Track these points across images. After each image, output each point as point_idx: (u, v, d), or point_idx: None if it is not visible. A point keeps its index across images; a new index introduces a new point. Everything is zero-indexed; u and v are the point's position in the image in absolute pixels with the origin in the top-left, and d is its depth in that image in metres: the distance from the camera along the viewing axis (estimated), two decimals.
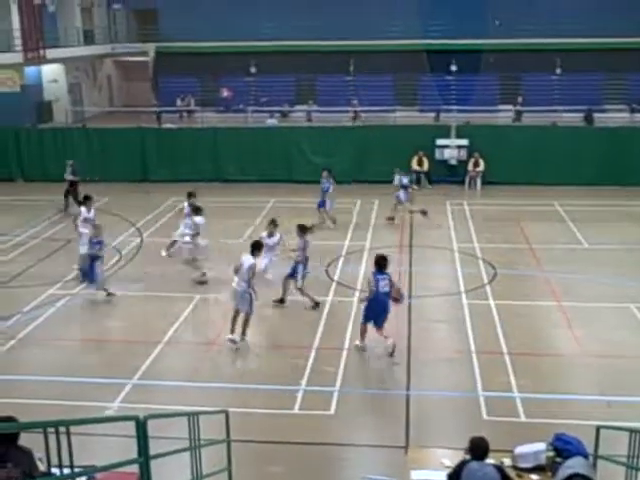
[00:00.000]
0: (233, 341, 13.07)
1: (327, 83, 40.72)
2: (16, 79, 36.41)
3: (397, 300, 13.22)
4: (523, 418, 10.77)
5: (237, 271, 13.27)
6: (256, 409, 11.09)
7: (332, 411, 11.05)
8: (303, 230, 15.01)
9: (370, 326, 12.87)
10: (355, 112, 37.15)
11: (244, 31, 40.02)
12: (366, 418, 11.11)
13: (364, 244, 19.14)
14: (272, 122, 32.88)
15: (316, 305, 14.93)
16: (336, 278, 16.65)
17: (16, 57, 33.86)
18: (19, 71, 36.03)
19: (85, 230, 16.55)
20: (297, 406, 11.19)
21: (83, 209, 17.33)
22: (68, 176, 22.92)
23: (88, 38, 42.54)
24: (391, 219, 21.26)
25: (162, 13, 42.95)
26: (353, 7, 40.15)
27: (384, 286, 12.75)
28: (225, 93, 41.21)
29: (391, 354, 12.69)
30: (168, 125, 33.06)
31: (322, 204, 20.94)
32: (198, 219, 16.64)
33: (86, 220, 16.95)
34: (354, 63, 40.81)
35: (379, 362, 12.67)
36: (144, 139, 26.72)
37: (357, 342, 13.08)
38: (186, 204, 17.49)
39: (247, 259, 13.14)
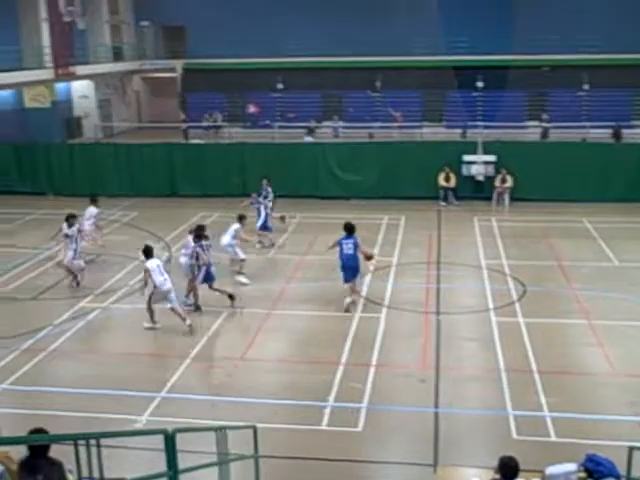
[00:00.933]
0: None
1: (354, 99, 40.83)
2: (47, 95, 36.96)
3: (369, 258, 16.12)
4: (554, 438, 10.63)
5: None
6: (284, 424, 11.07)
7: (360, 428, 10.99)
8: (198, 236, 15.82)
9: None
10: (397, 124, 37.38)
11: (271, 48, 40.33)
12: (394, 435, 11.04)
13: (391, 260, 19.09)
14: (309, 139, 32.79)
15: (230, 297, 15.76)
16: (363, 294, 16.60)
17: (47, 74, 34.33)
18: (50, 87, 36.56)
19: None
20: (325, 422, 11.15)
21: (64, 225, 17.56)
22: None
23: (117, 55, 43.08)
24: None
25: (190, 30, 43.43)
26: (380, 23, 40.29)
27: (348, 249, 15.50)
28: (252, 109, 41.47)
29: (346, 310, 15.34)
30: (196, 140, 33.33)
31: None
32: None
33: (67, 236, 17.44)
34: (381, 79, 40.91)
35: (407, 379, 12.60)
36: (172, 154, 26.92)
37: (347, 299, 15.47)
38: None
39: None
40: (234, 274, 17.46)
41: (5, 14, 34.50)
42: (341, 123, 38.61)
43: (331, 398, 11.83)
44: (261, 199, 20.73)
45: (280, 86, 42.05)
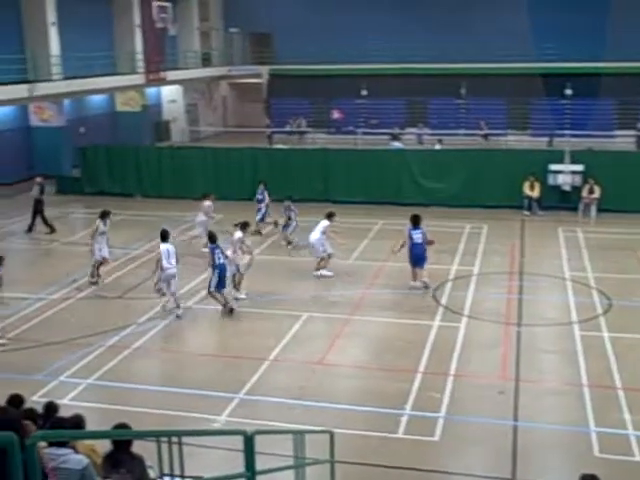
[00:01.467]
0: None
1: (438, 106, 40.56)
2: (138, 100, 38.08)
3: (431, 242, 17.43)
4: (638, 457, 10.30)
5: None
6: (360, 431, 11.07)
7: (436, 437, 10.91)
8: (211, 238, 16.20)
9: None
10: (485, 135, 36.96)
11: (356, 54, 40.44)
12: (471, 447, 10.91)
13: (472, 269, 18.87)
14: (397, 145, 32.69)
15: (230, 311, 15.80)
16: (443, 302, 16.46)
17: (138, 79, 35.38)
18: (140, 92, 37.66)
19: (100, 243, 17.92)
20: (401, 430, 11.10)
21: (99, 222, 18.02)
22: (35, 195, 23.47)
23: (206, 60, 44.04)
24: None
25: (277, 36, 44.02)
26: (466, 30, 39.91)
27: (417, 238, 16.99)
28: (336, 115, 41.69)
29: (425, 287, 16.92)
30: (279, 145, 33.73)
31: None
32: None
33: (102, 234, 17.99)
34: (466, 86, 40.51)
35: (486, 391, 12.42)
36: (256, 159, 27.32)
37: (411, 282, 16.95)
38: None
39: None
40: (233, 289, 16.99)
41: (101, 21, 35.74)
42: (426, 130, 38.41)
43: (408, 406, 11.77)
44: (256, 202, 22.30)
45: (364, 92, 42.12)
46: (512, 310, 15.95)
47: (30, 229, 22.99)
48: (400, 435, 11.00)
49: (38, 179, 23.78)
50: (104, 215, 18.20)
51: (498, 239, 21.55)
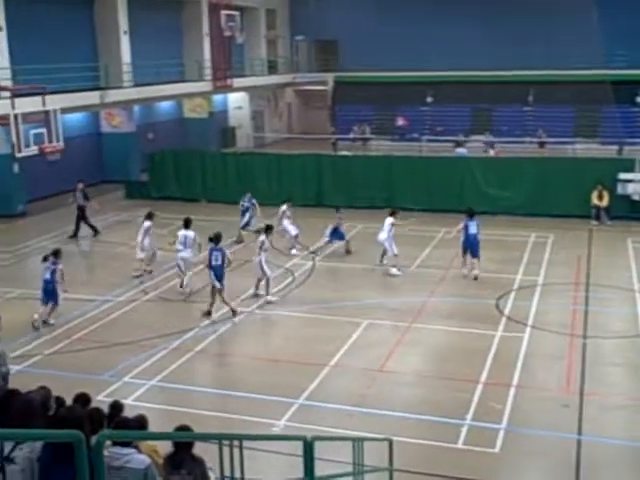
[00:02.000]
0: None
1: (504, 113, 40.06)
2: (205, 106, 38.73)
3: None
4: None
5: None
6: (419, 439, 11.01)
7: (497, 449, 10.76)
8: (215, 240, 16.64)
9: None
10: (542, 143, 36.38)
11: (421, 61, 40.30)
12: (532, 460, 10.74)
13: (537, 279, 18.56)
14: (462, 151, 32.41)
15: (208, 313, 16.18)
16: (506, 312, 16.25)
17: (206, 86, 35.98)
18: (208, 99, 38.30)
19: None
20: (461, 441, 11.00)
21: (147, 222, 19.20)
22: (79, 201, 23.68)
23: (272, 68, 44.50)
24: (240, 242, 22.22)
25: (342, 44, 44.18)
26: (534, 36, 39.39)
27: (473, 229, 18.55)
28: (400, 122, 41.59)
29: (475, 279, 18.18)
30: (343, 152, 33.81)
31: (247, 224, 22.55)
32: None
33: (147, 230, 19.13)
34: (533, 93, 39.91)
35: (549, 403, 12.21)
36: (320, 165, 27.44)
37: (463, 270, 18.57)
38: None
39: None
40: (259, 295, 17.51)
41: (171, 30, 36.52)
42: (492, 138, 37.96)
43: (469, 416, 11.65)
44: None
45: (429, 99, 41.91)
46: (577, 321, 15.64)
47: (75, 235, 23.37)
48: (460, 445, 10.89)
49: (80, 185, 23.90)
50: (150, 216, 19.53)
51: (564, 249, 21.18)
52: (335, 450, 9.65)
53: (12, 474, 4.92)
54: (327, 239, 21.18)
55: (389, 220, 19.16)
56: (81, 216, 23.62)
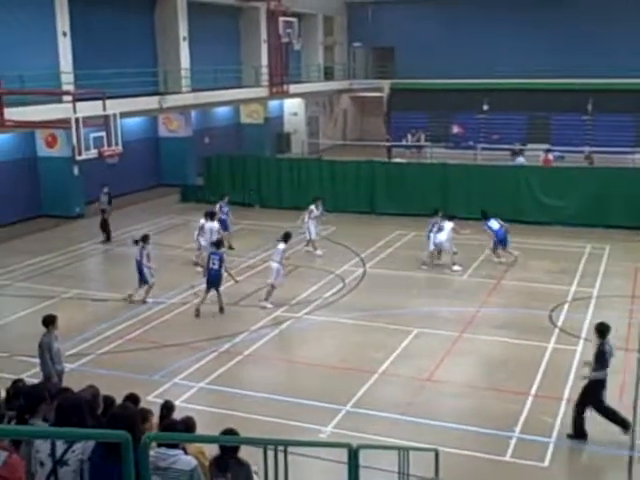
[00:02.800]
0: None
1: (562, 122, 39.44)
2: (261, 112, 39.06)
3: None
4: None
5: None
6: (466, 451, 10.90)
7: (546, 463, 10.60)
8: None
9: None
10: (589, 155, 35.75)
11: (477, 68, 39.98)
12: (582, 476, 10.56)
13: (592, 291, 18.22)
14: (521, 160, 31.99)
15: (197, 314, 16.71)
16: (560, 324, 15.99)
17: (263, 92, 36.28)
18: (264, 105, 38.61)
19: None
20: (509, 453, 10.86)
21: (202, 220, 20.32)
22: (104, 205, 23.74)
23: (328, 74, 44.65)
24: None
25: (399, 51, 44.09)
26: (593, 44, 38.76)
27: (494, 226, 20.38)
28: (456, 129, 41.31)
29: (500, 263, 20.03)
30: (398, 159, 33.72)
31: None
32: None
33: (202, 228, 20.24)
34: (592, 102, 39.21)
35: (601, 418, 11.95)
36: (374, 172, 27.38)
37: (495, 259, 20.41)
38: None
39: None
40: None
41: (229, 36, 36.97)
42: (549, 147, 37.35)
43: (518, 429, 11.50)
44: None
45: (485, 107, 41.54)
46: (633, 335, 15.24)
47: (109, 239, 23.60)
48: (508, 458, 10.75)
49: (105, 189, 24.01)
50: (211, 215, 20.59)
51: (621, 261, 20.74)
52: (381, 458, 9.63)
53: (65, 475, 5.04)
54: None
55: (449, 224, 19.98)
56: (105, 219, 23.81)
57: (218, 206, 22.53)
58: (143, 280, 17.57)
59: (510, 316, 16.66)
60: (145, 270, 17.45)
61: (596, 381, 11.04)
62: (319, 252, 21.74)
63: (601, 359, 10.99)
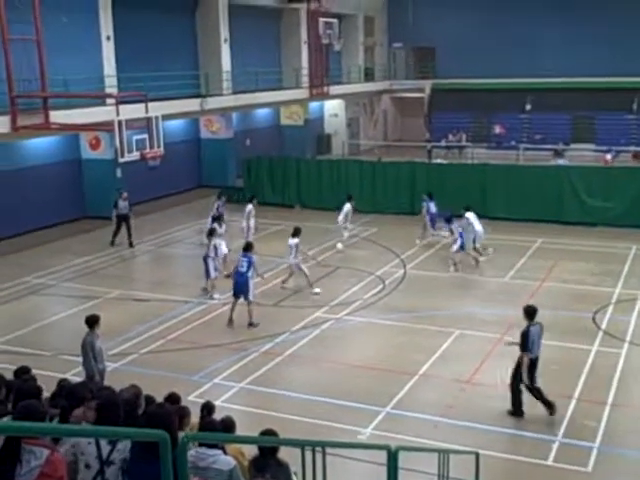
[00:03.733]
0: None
1: (607, 121, 38.81)
2: (301, 113, 39.14)
3: None
4: None
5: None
6: (506, 454, 10.79)
7: (589, 468, 10.42)
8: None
9: None
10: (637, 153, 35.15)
11: (520, 68, 39.57)
12: None
13: (637, 293, 17.88)
14: (563, 162, 31.54)
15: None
16: (604, 327, 15.73)
17: (303, 93, 36.35)
18: (304, 106, 38.68)
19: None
20: (551, 458, 10.70)
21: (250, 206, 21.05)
22: (124, 210, 23.24)
23: (368, 75, 44.57)
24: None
25: (439, 51, 43.83)
26: (638, 42, 38.10)
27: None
28: (498, 130, 40.93)
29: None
30: (438, 160, 33.51)
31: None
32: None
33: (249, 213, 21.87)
34: (638, 101, 38.52)
35: None
36: (414, 173, 27.24)
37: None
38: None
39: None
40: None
41: (269, 38, 37.13)
42: (593, 147, 36.84)
43: (560, 433, 11.34)
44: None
45: (528, 107, 41.08)
46: None
47: (131, 244, 23.31)
48: (550, 462, 10.60)
49: (125, 194, 23.54)
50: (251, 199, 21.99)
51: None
52: (420, 461, 9.57)
53: (111, 474, 5.11)
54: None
55: (471, 214, 20.93)
56: (126, 224, 23.27)
57: (215, 205, 22.77)
58: (207, 274, 18.00)
59: (553, 318, 16.34)
60: (210, 263, 17.81)
61: (524, 360, 11.62)
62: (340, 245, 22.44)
63: (524, 340, 11.58)
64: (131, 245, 23.38)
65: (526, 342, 11.54)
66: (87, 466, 5.15)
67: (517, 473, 10.39)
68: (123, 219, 23.42)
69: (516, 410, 11.86)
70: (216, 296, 17.76)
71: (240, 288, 16.11)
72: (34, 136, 23.38)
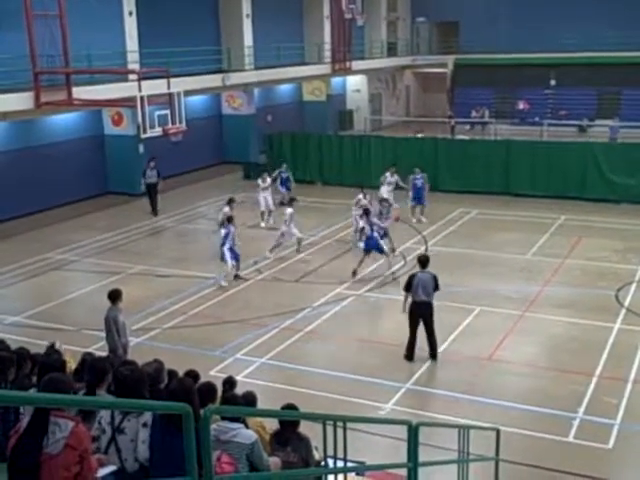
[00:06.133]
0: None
1: (633, 97, 38.24)
2: (323, 89, 38.94)
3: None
4: None
5: None
6: (527, 431, 10.79)
7: (610, 445, 10.41)
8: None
9: None
10: None
11: (544, 43, 39.02)
12: None
13: None
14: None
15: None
16: (627, 304, 15.62)
17: (325, 68, 36.15)
18: (326, 82, 38.48)
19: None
20: (572, 434, 10.70)
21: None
22: (152, 179, 24.09)
23: (391, 50, 44.20)
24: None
25: (463, 25, 43.35)
26: None
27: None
28: (522, 105, 40.50)
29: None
30: (461, 136, 33.27)
31: None
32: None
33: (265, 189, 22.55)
34: None
35: None
36: (437, 149, 27.07)
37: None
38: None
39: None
40: None
41: (291, 13, 36.89)
42: (618, 122, 36.31)
43: (581, 410, 11.32)
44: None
45: (552, 82, 40.58)
46: None
47: (155, 213, 24.15)
48: (570, 439, 10.60)
49: (152, 163, 24.41)
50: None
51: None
52: (441, 436, 9.61)
53: (122, 443, 5.19)
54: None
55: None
56: (155, 192, 24.30)
57: (277, 172, 24.43)
58: (223, 258, 17.68)
59: (575, 295, 16.34)
60: (226, 252, 17.42)
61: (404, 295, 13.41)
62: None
63: (408, 282, 13.25)
64: (155, 213, 23.67)
65: (410, 284, 13.07)
66: (103, 431, 5.27)
67: (538, 449, 10.40)
68: (152, 187, 23.84)
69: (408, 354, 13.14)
70: (224, 283, 17.38)
71: (372, 246, 17.63)
72: (57, 112, 23.50)
